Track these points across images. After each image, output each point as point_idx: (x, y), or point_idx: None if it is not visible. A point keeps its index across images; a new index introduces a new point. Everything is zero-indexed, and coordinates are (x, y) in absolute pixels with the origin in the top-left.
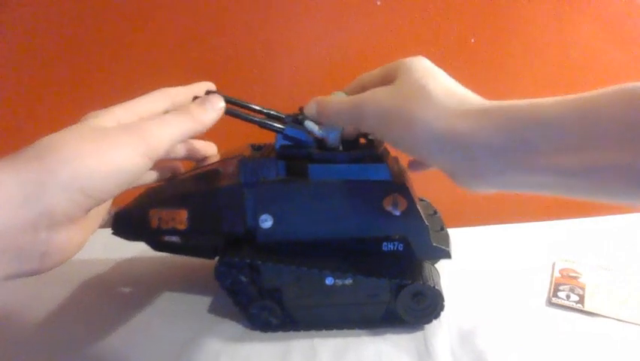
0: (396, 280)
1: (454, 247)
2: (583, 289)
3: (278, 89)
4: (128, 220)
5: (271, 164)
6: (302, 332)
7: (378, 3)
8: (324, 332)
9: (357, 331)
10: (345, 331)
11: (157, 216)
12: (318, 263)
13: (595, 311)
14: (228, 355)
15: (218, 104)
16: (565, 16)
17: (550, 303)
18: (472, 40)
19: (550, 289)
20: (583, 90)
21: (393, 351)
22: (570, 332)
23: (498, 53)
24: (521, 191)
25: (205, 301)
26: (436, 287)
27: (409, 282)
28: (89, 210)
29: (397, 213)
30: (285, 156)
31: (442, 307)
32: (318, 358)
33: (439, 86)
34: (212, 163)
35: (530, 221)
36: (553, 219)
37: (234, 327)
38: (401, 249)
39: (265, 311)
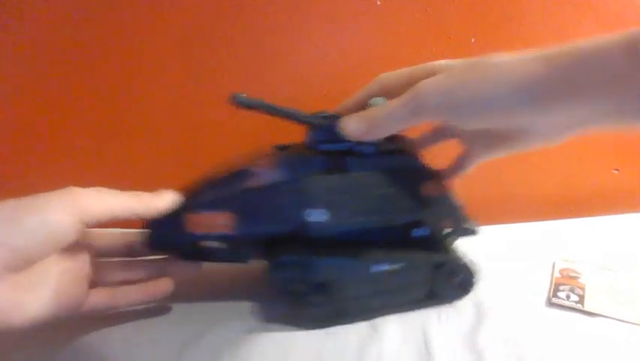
0: (436, 261)
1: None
2: (583, 289)
3: (278, 88)
4: (165, 229)
5: (311, 160)
6: (303, 333)
7: (378, 3)
8: (324, 330)
9: (357, 329)
10: (346, 328)
11: (197, 221)
12: (366, 252)
13: (595, 311)
14: (229, 353)
15: (169, 196)
16: (565, 15)
17: (550, 303)
18: (473, 40)
19: (550, 289)
20: None
21: (394, 350)
22: (570, 332)
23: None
24: (592, 127)
25: (205, 300)
26: (469, 263)
27: (448, 261)
28: (17, 268)
29: (434, 197)
30: (323, 152)
31: (474, 282)
32: (320, 357)
33: (493, 55)
34: (239, 164)
35: (530, 221)
36: (553, 219)
37: (235, 326)
38: (428, 233)
39: (317, 307)
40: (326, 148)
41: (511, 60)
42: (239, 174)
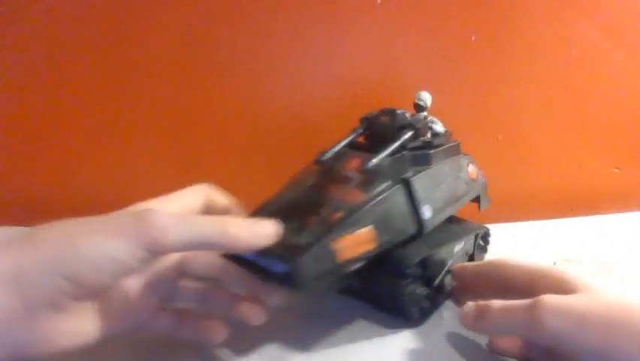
0: (478, 231)
1: None
2: None
3: (278, 88)
4: (311, 263)
5: (405, 159)
6: (299, 332)
7: (379, 2)
8: (322, 328)
9: (355, 328)
10: (344, 327)
11: (341, 247)
12: (446, 236)
13: None
14: (228, 353)
15: (269, 231)
16: (565, 15)
17: None
18: (473, 39)
19: None
20: (583, 89)
21: (394, 349)
22: None
23: (499, 52)
24: None
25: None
26: (484, 228)
27: (484, 229)
28: (80, 298)
29: (475, 178)
30: (409, 149)
31: (488, 243)
32: (320, 356)
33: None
34: (305, 178)
35: (530, 220)
36: (553, 219)
37: (233, 326)
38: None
39: (427, 301)
40: (412, 145)
41: None
42: (338, 181)
